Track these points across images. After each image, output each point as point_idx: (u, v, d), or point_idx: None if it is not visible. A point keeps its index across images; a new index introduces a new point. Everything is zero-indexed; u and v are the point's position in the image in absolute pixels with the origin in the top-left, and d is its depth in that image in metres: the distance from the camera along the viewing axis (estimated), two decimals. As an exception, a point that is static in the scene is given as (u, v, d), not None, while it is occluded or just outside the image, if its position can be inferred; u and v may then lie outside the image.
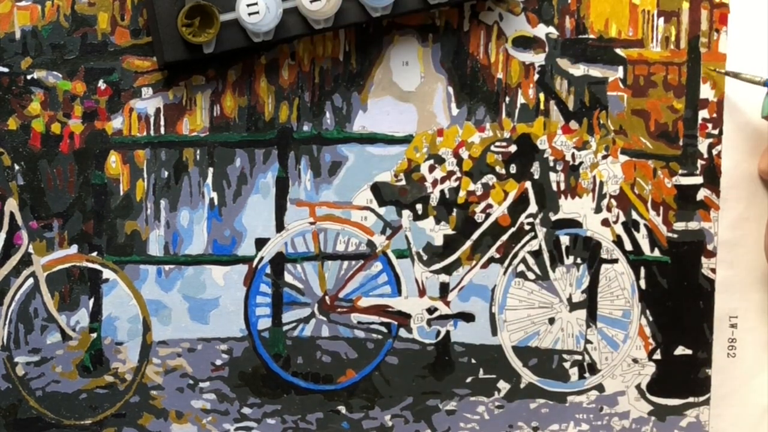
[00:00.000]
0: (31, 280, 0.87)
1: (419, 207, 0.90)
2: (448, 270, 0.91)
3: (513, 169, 0.90)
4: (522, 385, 0.92)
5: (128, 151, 0.87)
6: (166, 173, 0.88)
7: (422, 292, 0.91)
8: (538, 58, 0.90)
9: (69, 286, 0.88)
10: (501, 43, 0.90)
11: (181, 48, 0.83)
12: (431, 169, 0.90)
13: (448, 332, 0.91)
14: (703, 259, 0.92)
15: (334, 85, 0.89)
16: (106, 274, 0.88)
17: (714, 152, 0.91)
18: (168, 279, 0.88)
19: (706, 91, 0.91)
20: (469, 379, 0.91)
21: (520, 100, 0.90)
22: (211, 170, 0.88)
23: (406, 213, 0.90)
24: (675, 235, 0.92)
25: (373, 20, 0.85)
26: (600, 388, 0.92)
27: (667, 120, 0.91)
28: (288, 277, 0.90)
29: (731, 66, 0.90)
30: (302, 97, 0.88)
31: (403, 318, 0.91)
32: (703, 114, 0.91)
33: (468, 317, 0.91)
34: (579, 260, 0.91)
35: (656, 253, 0.92)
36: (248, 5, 0.83)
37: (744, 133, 0.91)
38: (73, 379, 0.88)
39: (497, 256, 0.91)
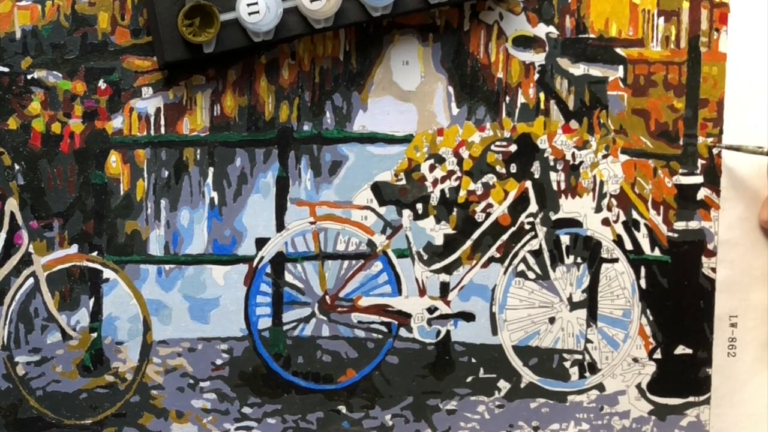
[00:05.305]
0: (31, 280, 0.87)
1: (419, 206, 0.90)
2: (448, 269, 0.91)
3: (513, 168, 0.90)
4: (522, 385, 0.92)
5: (128, 150, 0.87)
6: (167, 173, 0.88)
7: (422, 292, 0.91)
8: (538, 58, 0.90)
9: (69, 286, 0.88)
10: (501, 43, 0.90)
11: (181, 48, 0.83)
12: (431, 168, 0.90)
13: (448, 332, 0.91)
14: (704, 259, 0.92)
15: (335, 84, 0.89)
16: (107, 273, 0.88)
17: (714, 152, 0.91)
18: (168, 279, 0.88)
19: (706, 91, 0.91)
20: (469, 379, 0.91)
21: (521, 99, 0.90)
22: (211, 170, 0.88)
23: (407, 212, 0.90)
24: (675, 235, 0.92)
25: (373, 20, 0.85)
26: (600, 387, 0.92)
27: (668, 119, 0.91)
28: (288, 277, 0.90)
29: (731, 63, 0.91)
30: (302, 96, 0.88)
31: (404, 317, 0.91)
32: (703, 113, 0.91)
33: (468, 317, 0.91)
34: (579, 260, 0.91)
35: (656, 252, 0.92)
36: (248, 5, 0.83)
37: (744, 133, 0.91)
38: (73, 379, 0.88)
39: (497, 255, 0.91)
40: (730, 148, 0.89)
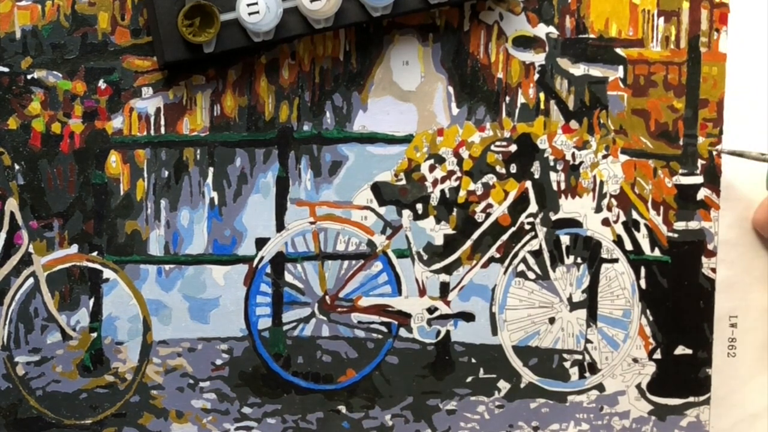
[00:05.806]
0: (31, 280, 0.87)
1: (419, 206, 0.90)
2: (448, 270, 0.91)
3: (513, 168, 0.90)
4: (522, 385, 0.92)
5: (128, 150, 0.87)
6: (167, 173, 0.88)
7: (422, 292, 0.91)
8: (538, 58, 0.90)
9: (69, 286, 0.88)
10: (501, 43, 0.90)
11: (181, 48, 0.83)
12: (431, 168, 0.90)
13: (448, 332, 0.91)
14: (704, 259, 0.92)
15: (335, 84, 0.89)
16: (107, 273, 0.88)
17: (714, 153, 0.91)
18: (168, 279, 0.88)
19: (706, 91, 0.91)
20: (469, 379, 0.91)
21: (521, 99, 0.90)
22: (211, 170, 0.88)
23: (407, 212, 0.90)
24: (675, 235, 0.92)
25: (373, 20, 0.85)
26: (600, 387, 0.92)
27: (668, 119, 0.91)
28: (288, 277, 0.90)
29: (731, 63, 0.91)
30: (302, 96, 0.88)
31: (404, 318, 0.91)
32: (703, 113, 0.91)
33: (468, 317, 0.91)
34: (579, 260, 0.91)
35: (656, 252, 0.92)
36: (248, 5, 0.83)
37: (744, 133, 0.91)
38: (73, 379, 0.88)
39: (497, 255, 0.91)
40: (732, 153, 0.89)
